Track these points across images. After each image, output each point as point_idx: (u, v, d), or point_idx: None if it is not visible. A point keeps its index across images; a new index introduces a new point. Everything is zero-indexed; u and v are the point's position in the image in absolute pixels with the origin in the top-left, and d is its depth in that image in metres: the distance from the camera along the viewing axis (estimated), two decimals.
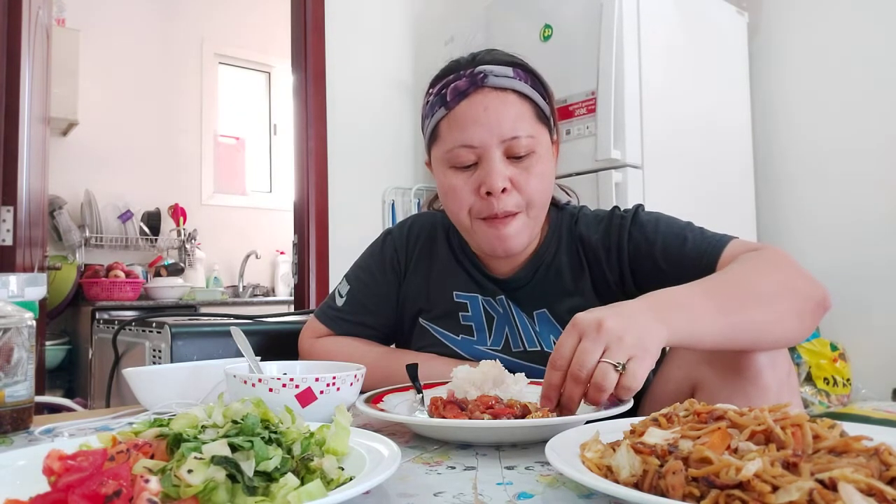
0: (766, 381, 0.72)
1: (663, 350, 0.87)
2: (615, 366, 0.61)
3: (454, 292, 1.00)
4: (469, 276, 1.01)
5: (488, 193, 0.86)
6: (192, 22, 4.10)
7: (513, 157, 0.87)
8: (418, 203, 2.80)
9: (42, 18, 2.44)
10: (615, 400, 0.69)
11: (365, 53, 2.76)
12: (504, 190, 0.86)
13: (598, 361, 0.61)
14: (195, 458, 0.42)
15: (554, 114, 0.95)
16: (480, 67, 0.88)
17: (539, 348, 0.95)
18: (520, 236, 0.90)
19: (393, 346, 1.11)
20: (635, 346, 0.62)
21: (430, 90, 0.94)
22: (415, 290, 1.05)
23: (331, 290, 1.31)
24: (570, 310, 0.88)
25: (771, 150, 2.56)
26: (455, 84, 0.88)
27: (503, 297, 0.98)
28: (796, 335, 0.76)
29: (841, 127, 2.38)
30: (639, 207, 0.96)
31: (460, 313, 1.00)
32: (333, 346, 1.06)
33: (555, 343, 0.91)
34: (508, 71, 0.88)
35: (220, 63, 4.28)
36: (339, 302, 1.08)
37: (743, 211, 2.50)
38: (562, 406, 0.65)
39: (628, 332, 0.62)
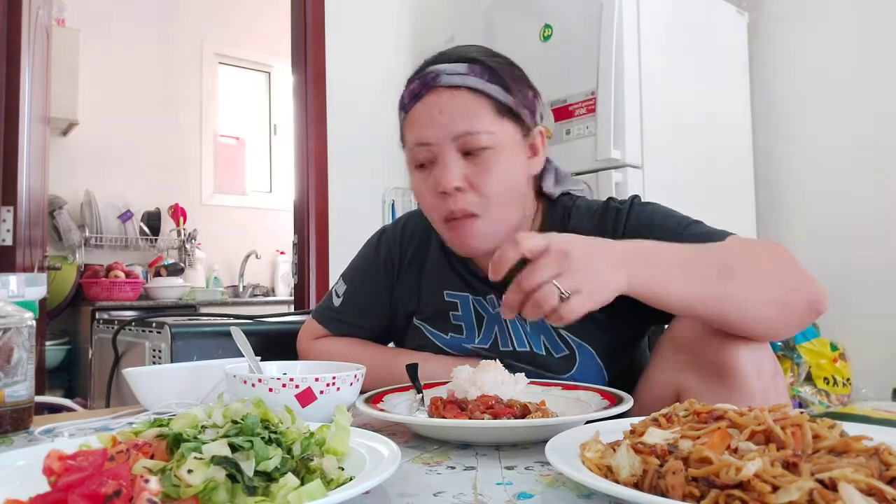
0: (751, 386, 0.71)
1: (651, 352, 0.87)
2: (561, 293, 0.61)
3: (445, 291, 1.00)
4: (459, 276, 0.99)
5: (444, 193, 0.85)
6: (192, 22, 4.10)
7: (469, 153, 0.85)
8: (418, 203, 2.79)
9: (42, 18, 2.44)
10: (616, 400, 0.69)
11: (365, 53, 2.76)
12: (459, 189, 0.85)
13: (547, 282, 0.61)
14: (195, 458, 0.42)
15: (531, 106, 0.91)
16: (432, 68, 0.88)
17: (528, 349, 0.93)
18: (481, 237, 0.87)
19: (391, 345, 1.11)
20: (587, 282, 0.62)
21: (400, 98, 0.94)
22: (408, 291, 1.04)
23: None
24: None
25: (771, 149, 2.56)
26: (411, 87, 0.89)
27: (493, 296, 0.97)
28: (776, 326, 0.73)
29: (841, 127, 2.38)
30: (635, 198, 0.93)
31: (451, 312, 0.99)
32: (332, 347, 1.06)
33: (544, 344, 0.91)
34: (461, 68, 0.86)
35: (220, 63, 4.28)
36: (336, 302, 1.08)
37: (743, 211, 2.50)
38: (501, 307, 0.66)
39: (586, 268, 0.62)
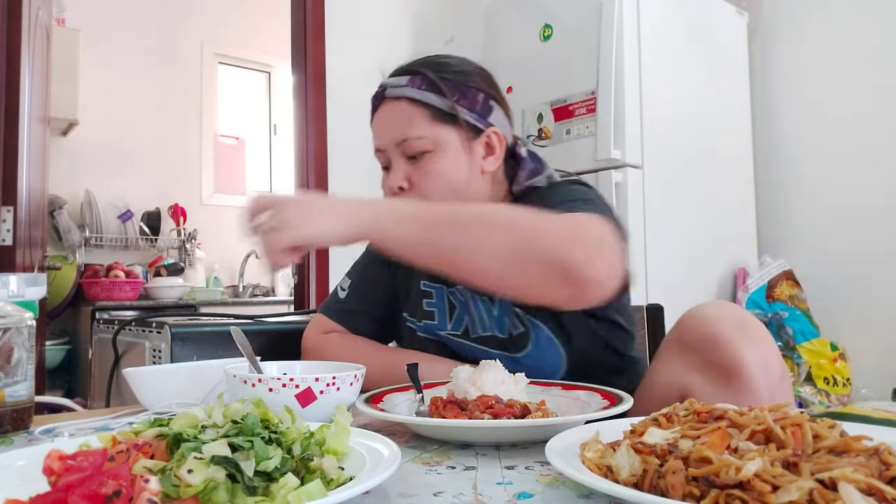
0: (758, 388, 0.71)
1: (653, 355, 0.88)
2: (269, 228, 0.71)
3: (422, 281, 1.06)
4: None
5: (393, 192, 0.96)
6: (192, 22, 4.10)
7: (413, 157, 0.95)
8: None
9: (42, 18, 2.44)
10: (616, 400, 0.69)
11: (365, 53, 2.76)
12: (402, 188, 0.95)
13: (263, 223, 0.72)
14: (195, 458, 0.42)
15: (480, 111, 0.97)
16: (382, 82, 1.00)
17: (491, 333, 0.98)
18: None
19: (392, 344, 1.14)
20: (292, 222, 0.70)
21: None
22: (400, 284, 1.11)
23: (331, 289, 1.32)
24: None
25: (771, 149, 2.56)
26: (371, 101, 1.02)
27: (464, 288, 1.01)
28: (505, 282, 0.73)
29: (841, 127, 2.38)
30: (575, 180, 1.00)
31: (424, 300, 1.05)
32: (341, 342, 1.08)
33: (507, 328, 0.96)
34: (402, 80, 0.96)
35: (220, 63, 4.28)
36: (342, 295, 1.13)
37: (743, 210, 2.50)
38: None
39: (297, 212, 0.71)
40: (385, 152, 0.97)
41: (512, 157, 1.03)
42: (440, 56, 1.01)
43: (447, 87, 0.95)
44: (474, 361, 0.94)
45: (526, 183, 1.01)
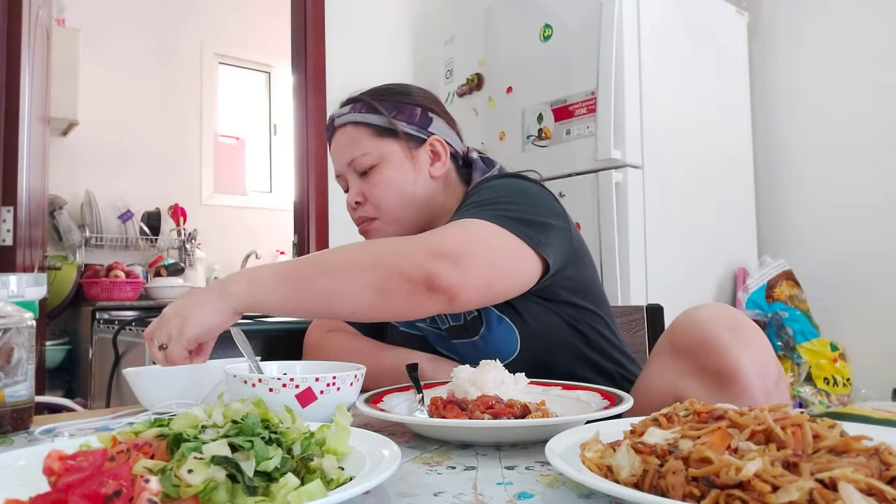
0: (754, 392, 0.71)
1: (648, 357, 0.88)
2: (161, 346, 0.80)
3: None
4: None
5: (352, 208, 1.05)
6: (192, 22, 4.10)
7: (364, 174, 1.03)
8: None
9: (42, 18, 2.44)
10: (616, 400, 0.69)
11: (365, 53, 2.76)
12: (359, 202, 1.04)
13: (152, 342, 0.81)
14: (195, 458, 0.42)
15: (419, 122, 1.05)
16: (330, 115, 1.10)
17: (449, 323, 1.01)
18: (383, 234, 1.04)
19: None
20: (176, 329, 0.79)
21: None
22: None
23: None
24: None
25: (771, 149, 2.56)
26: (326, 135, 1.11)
27: None
28: (379, 310, 0.79)
29: (841, 127, 2.38)
30: (504, 175, 1.03)
31: None
32: (344, 340, 1.09)
33: (462, 314, 0.98)
34: (346, 109, 1.07)
35: (220, 63, 4.28)
36: None
37: (743, 210, 2.50)
38: None
39: (174, 319, 0.79)
40: (343, 176, 1.06)
41: (465, 163, 1.11)
42: (382, 85, 1.11)
43: (384, 107, 1.04)
44: (446, 354, 1.01)
45: (478, 181, 1.06)
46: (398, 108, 1.05)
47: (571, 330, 0.98)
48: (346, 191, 1.08)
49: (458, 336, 1.00)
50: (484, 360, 0.80)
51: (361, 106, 1.06)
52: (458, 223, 0.84)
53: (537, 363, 0.93)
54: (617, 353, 1.03)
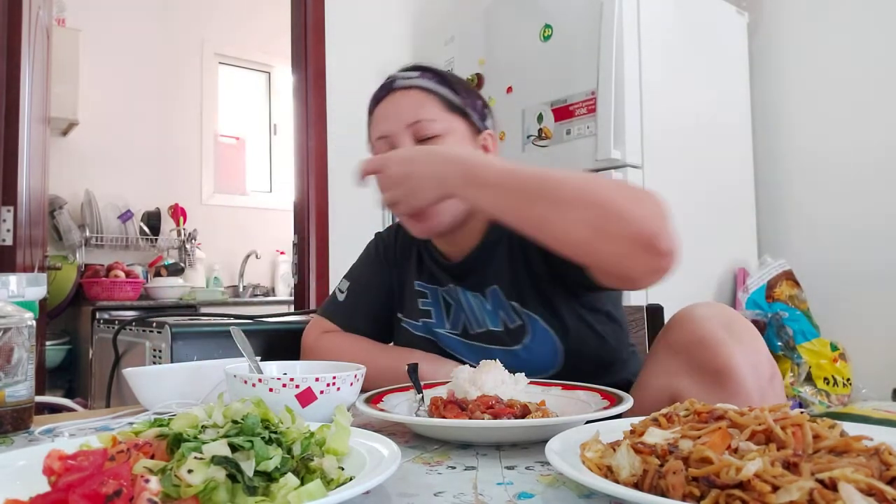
0: (748, 390, 0.71)
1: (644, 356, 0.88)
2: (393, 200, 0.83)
3: (416, 282, 1.08)
4: (429, 271, 1.07)
5: None
6: (192, 22, 4.10)
7: (422, 141, 0.95)
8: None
9: (42, 18, 2.44)
10: (616, 400, 0.69)
11: (365, 53, 2.76)
12: None
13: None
14: (195, 458, 0.42)
15: (480, 113, 1.03)
16: (391, 75, 1.03)
17: (486, 328, 0.99)
18: (436, 218, 0.95)
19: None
20: (404, 195, 0.83)
21: None
22: (398, 287, 1.12)
23: (331, 290, 1.34)
24: (518, 284, 0.96)
25: (770, 149, 2.56)
26: (374, 94, 1.04)
27: (454, 286, 1.03)
28: (590, 249, 0.74)
29: (841, 127, 2.38)
30: None
31: (419, 300, 1.07)
32: (341, 341, 1.09)
33: (502, 321, 0.97)
34: (414, 73, 1.01)
35: (220, 63, 4.28)
36: (341, 297, 1.14)
37: (742, 211, 2.50)
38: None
39: (404, 183, 0.82)
40: (389, 138, 0.97)
41: None
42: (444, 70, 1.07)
43: (457, 86, 1.01)
44: (471, 362, 0.96)
45: None
46: (466, 92, 1.03)
47: (600, 342, 0.99)
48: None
49: (497, 343, 0.98)
50: (484, 361, 0.80)
51: (433, 76, 1.01)
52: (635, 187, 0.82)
53: (577, 379, 0.89)
54: (636, 367, 1.03)
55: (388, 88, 1.01)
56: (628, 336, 1.08)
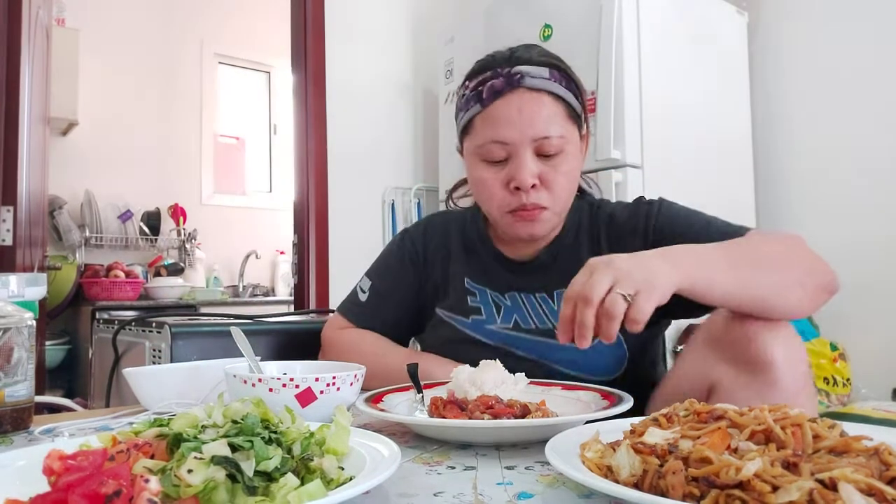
0: (786, 380, 0.72)
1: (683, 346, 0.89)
2: (624, 296, 0.64)
3: (466, 279, 1.05)
4: (482, 270, 1.04)
5: (517, 188, 0.91)
6: (192, 22, 4.10)
7: (542, 155, 0.90)
8: (418, 203, 2.80)
9: (42, 18, 2.44)
10: (616, 400, 0.69)
11: (365, 53, 2.76)
12: (533, 186, 0.90)
13: (608, 292, 0.64)
14: (195, 458, 0.42)
15: (585, 110, 0.97)
16: (517, 68, 0.91)
17: (550, 325, 0.97)
18: (543, 226, 0.95)
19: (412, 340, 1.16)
20: (644, 281, 0.65)
21: (467, 83, 0.97)
22: (434, 284, 1.09)
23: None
24: None
25: (771, 149, 2.56)
26: (492, 82, 0.91)
27: (515, 293, 1.01)
28: (798, 307, 0.77)
29: (841, 126, 2.38)
30: (662, 198, 1.00)
31: (468, 297, 1.04)
32: (358, 337, 1.09)
33: None
34: (544, 72, 0.91)
35: (220, 63, 4.28)
36: (362, 297, 1.12)
37: (743, 211, 2.50)
38: (577, 336, 0.66)
39: (637, 270, 0.66)
40: (510, 145, 0.90)
41: None
42: (546, 49, 0.97)
43: (580, 89, 0.95)
44: (527, 358, 0.96)
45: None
46: (582, 93, 0.96)
47: (653, 345, 1.00)
48: (492, 161, 0.92)
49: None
50: (484, 361, 0.80)
51: (561, 77, 0.92)
52: (788, 233, 0.88)
53: (636, 385, 0.86)
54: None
55: (514, 84, 0.90)
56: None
